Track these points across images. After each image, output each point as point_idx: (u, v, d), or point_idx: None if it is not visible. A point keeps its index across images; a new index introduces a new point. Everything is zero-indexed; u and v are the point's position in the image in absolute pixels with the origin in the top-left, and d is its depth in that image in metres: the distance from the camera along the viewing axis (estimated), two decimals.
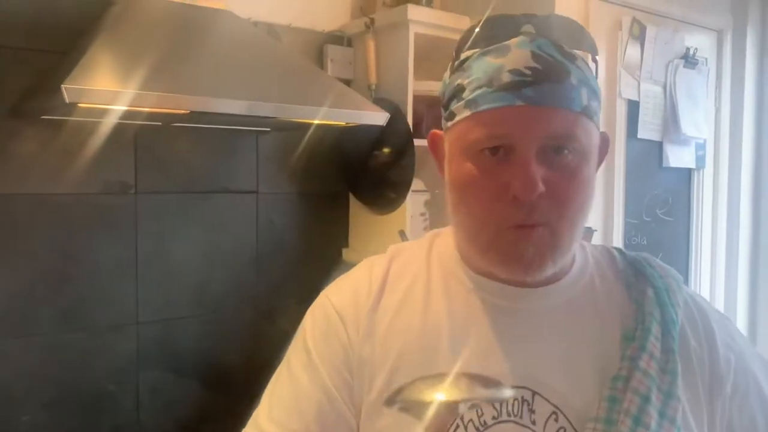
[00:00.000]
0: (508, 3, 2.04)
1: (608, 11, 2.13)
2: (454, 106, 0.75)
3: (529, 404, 0.74)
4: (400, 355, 0.77)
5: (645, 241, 2.31)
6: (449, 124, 0.77)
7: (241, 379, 1.89)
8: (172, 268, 1.93)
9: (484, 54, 0.73)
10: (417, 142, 2.02)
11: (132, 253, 1.86)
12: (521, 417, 0.73)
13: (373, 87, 2.10)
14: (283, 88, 1.65)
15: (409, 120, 2.01)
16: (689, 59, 2.34)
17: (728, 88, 2.54)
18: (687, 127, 2.33)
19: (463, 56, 0.76)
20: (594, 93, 0.75)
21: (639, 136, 2.23)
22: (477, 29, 0.75)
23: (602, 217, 2.17)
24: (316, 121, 1.68)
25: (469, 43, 0.75)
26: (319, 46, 2.15)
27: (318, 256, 2.13)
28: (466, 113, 0.73)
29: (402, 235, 2.00)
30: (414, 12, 2.02)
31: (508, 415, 0.74)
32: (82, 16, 1.69)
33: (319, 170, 2.16)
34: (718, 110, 2.53)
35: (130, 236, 1.85)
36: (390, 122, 1.80)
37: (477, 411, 0.74)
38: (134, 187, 1.85)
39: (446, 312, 0.79)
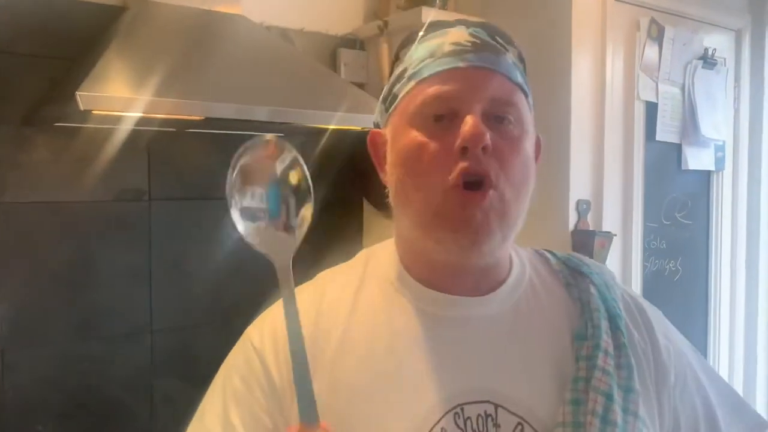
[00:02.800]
0: (526, 6, 2.04)
1: (626, 12, 2.10)
2: (397, 88, 0.76)
3: (493, 418, 0.71)
4: (352, 391, 0.72)
5: (664, 245, 2.27)
6: (392, 108, 0.77)
7: None
8: (187, 275, 1.91)
9: (422, 41, 0.76)
10: None
11: (146, 260, 1.84)
12: None
13: None
14: (298, 94, 1.64)
15: None
16: (708, 60, 2.31)
17: (747, 88, 2.50)
18: (706, 128, 2.30)
19: (401, 56, 0.78)
20: (525, 80, 0.77)
21: (657, 138, 2.20)
22: (420, 32, 0.77)
23: (621, 220, 2.13)
24: (332, 127, 1.66)
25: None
26: (333, 50, 2.13)
27: (331, 263, 2.09)
28: (411, 84, 0.74)
29: None
30: (428, 14, 1.99)
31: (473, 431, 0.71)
32: (94, 23, 1.68)
33: (333, 176, 2.13)
34: (737, 111, 2.49)
35: (144, 243, 1.84)
36: None
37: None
38: (148, 194, 1.83)
39: (392, 333, 0.75)
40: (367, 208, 2.20)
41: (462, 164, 0.69)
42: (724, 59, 2.41)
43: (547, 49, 1.99)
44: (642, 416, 0.72)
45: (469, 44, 0.73)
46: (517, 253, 0.84)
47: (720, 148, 2.41)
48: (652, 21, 2.15)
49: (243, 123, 1.58)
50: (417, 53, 0.75)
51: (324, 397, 0.68)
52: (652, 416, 0.75)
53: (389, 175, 0.77)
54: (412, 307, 0.76)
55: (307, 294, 0.79)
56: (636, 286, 2.18)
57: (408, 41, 0.78)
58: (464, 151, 0.69)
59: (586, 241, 1.95)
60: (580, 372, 0.72)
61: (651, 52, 2.16)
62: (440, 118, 0.72)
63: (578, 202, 1.98)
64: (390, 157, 0.77)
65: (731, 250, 2.50)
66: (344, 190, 2.17)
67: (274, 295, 0.90)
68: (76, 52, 1.65)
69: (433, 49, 0.74)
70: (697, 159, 2.33)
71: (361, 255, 0.85)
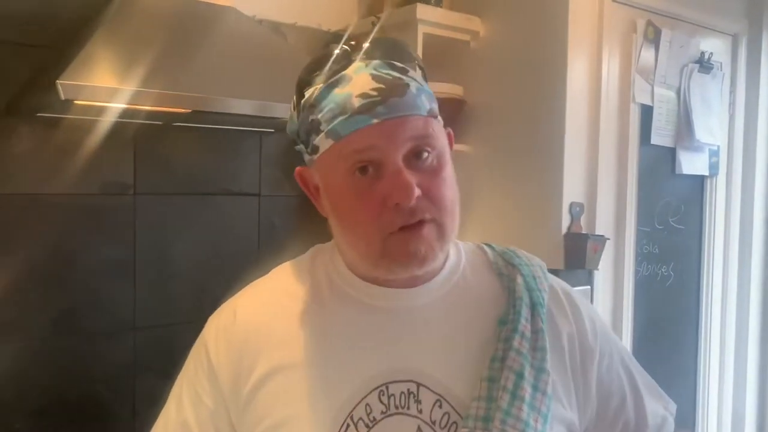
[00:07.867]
0: (522, 6, 2.02)
1: (623, 13, 2.08)
2: (315, 140, 0.81)
3: (415, 395, 0.81)
4: (290, 369, 0.82)
5: (657, 250, 2.25)
6: (315, 157, 0.83)
7: None
8: (171, 271, 1.87)
9: (328, 87, 0.80)
10: None
11: (130, 255, 1.80)
12: (408, 408, 0.80)
13: None
14: (287, 89, 1.60)
15: None
16: (704, 64, 2.29)
17: (743, 93, 2.49)
18: (701, 133, 2.28)
19: (306, 94, 0.82)
20: (430, 96, 0.83)
21: (652, 142, 2.18)
22: (317, 71, 0.81)
23: (614, 224, 2.11)
24: None
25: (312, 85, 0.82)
26: (325, 46, 2.09)
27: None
28: (330, 143, 0.79)
29: None
30: (423, 11, 1.97)
31: (396, 408, 0.80)
32: (81, 11, 1.63)
33: None
34: (732, 116, 2.48)
35: (128, 238, 1.80)
36: None
37: (366, 408, 0.80)
38: (133, 188, 1.79)
39: (330, 320, 0.85)
40: None
41: (398, 221, 0.77)
42: (720, 63, 2.40)
43: (543, 50, 1.97)
44: (550, 394, 0.81)
45: (376, 94, 0.77)
46: (456, 248, 0.92)
47: (714, 153, 2.40)
48: (649, 23, 2.13)
49: (231, 117, 1.54)
50: (326, 102, 0.79)
51: (265, 378, 0.82)
52: (568, 392, 0.86)
53: (327, 214, 0.85)
54: (350, 297, 0.86)
55: (260, 288, 0.93)
56: (628, 291, 2.16)
57: (310, 74, 0.82)
58: (398, 206, 0.77)
59: (579, 244, 1.93)
60: (498, 352, 0.82)
61: (647, 54, 2.14)
62: (365, 170, 0.78)
63: (571, 205, 1.95)
64: (325, 203, 0.84)
65: (723, 255, 2.49)
66: None
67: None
68: (62, 40, 1.60)
69: (341, 102, 0.78)
70: (691, 164, 2.31)
71: (311, 252, 0.94)
